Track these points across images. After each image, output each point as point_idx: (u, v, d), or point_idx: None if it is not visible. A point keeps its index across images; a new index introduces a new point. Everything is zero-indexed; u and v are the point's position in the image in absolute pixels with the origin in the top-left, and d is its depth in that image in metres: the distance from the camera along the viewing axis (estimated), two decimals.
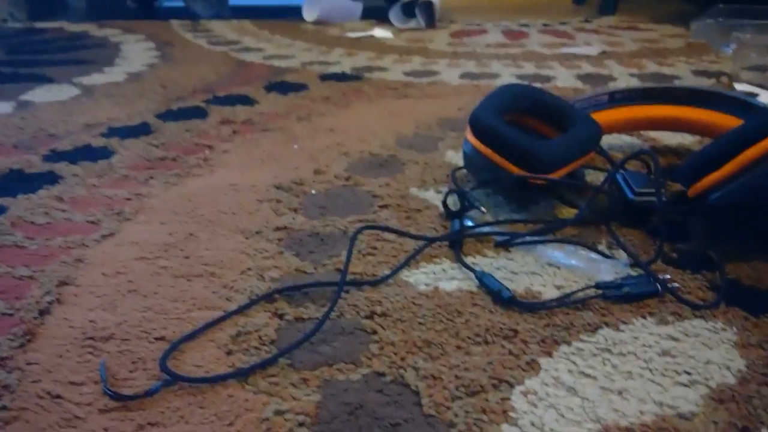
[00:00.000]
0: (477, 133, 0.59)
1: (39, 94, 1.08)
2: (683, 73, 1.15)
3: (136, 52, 1.49)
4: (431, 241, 0.54)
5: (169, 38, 1.69)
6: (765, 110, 0.62)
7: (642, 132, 0.81)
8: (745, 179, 0.49)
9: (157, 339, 0.43)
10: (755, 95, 0.95)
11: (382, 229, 0.56)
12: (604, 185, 0.57)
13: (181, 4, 2.09)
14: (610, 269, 0.49)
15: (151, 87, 1.13)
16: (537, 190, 0.59)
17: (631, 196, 0.55)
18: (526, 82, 1.11)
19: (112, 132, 0.87)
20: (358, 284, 0.49)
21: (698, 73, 1.16)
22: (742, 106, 0.65)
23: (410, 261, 0.52)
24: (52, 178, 0.71)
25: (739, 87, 1.01)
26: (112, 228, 0.59)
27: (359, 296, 0.48)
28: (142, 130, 0.88)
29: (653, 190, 0.54)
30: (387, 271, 0.50)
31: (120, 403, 0.38)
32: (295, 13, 2.00)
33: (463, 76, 1.19)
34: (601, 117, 0.70)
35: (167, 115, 0.95)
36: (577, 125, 0.61)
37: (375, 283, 0.49)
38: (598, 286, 0.47)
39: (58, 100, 1.04)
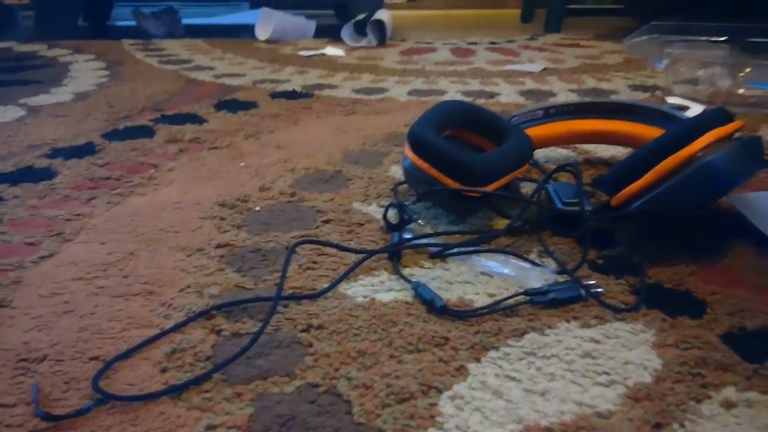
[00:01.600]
0: (414, 149, 0.61)
1: None
2: (620, 88, 1.20)
3: (85, 71, 1.48)
4: (370, 254, 0.55)
5: (119, 57, 1.67)
6: (684, 121, 0.65)
7: (577, 145, 0.84)
8: (663, 188, 0.52)
9: (91, 359, 0.43)
10: (686, 108, 1.00)
11: (319, 243, 0.58)
12: (534, 196, 0.59)
13: (133, 23, 2.08)
14: (539, 276, 0.51)
15: (98, 106, 1.12)
16: (473, 202, 0.61)
17: (559, 206, 0.58)
18: (470, 99, 1.15)
19: (56, 152, 0.86)
20: (296, 298, 0.50)
21: (635, 87, 1.21)
22: (667, 118, 0.68)
23: (349, 274, 0.53)
24: None
25: (671, 100, 1.06)
26: (52, 249, 0.59)
27: (298, 310, 0.48)
28: (86, 150, 0.87)
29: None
30: (326, 284, 0.51)
31: (51, 424, 0.38)
32: (248, 31, 2.01)
33: (411, 92, 1.22)
34: (537, 131, 0.73)
35: (113, 135, 0.94)
36: (511, 139, 0.63)
37: (313, 296, 0.50)
38: (526, 292, 0.49)
39: (2, 121, 1.03)
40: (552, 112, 0.74)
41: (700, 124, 0.53)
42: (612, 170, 0.55)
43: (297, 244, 0.54)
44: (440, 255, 0.55)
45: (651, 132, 0.69)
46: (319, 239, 0.59)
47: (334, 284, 0.51)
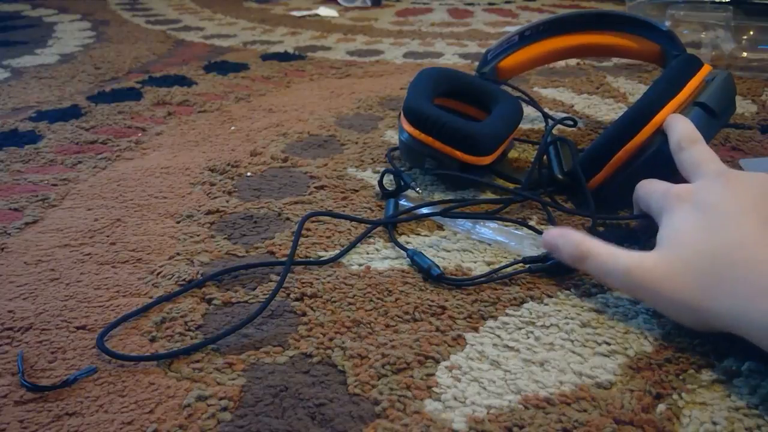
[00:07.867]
0: (414, 123, 0.58)
1: None
2: None
3: (70, 32, 1.43)
4: (376, 224, 0.53)
5: (105, 17, 1.63)
6: (665, 32, 0.63)
7: (575, 108, 0.82)
8: (626, 174, 0.52)
9: (78, 328, 0.42)
10: None
11: (330, 216, 0.55)
12: (536, 166, 0.58)
13: None
14: (538, 244, 0.50)
15: (84, 68, 1.09)
16: (478, 171, 0.59)
17: (559, 176, 0.57)
18: (468, 61, 1.12)
19: (41, 115, 0.83)
20: (303, 263, 0.48)
21: None
22: (644, 26, 0.66)
23: (357, 244, 0.51)
24: None
25: None
26: (36, 215, 0.57)
27: (291, 278, 0.47)
28: (72, 113, 0.84)
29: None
30: (320, 252, 0.50)
31: (37, 394, 0.37)
32: None
33: (407, 55, 1.19)
34: (516, 57, 0.72)
35: (99, 97, 0.91)
36: (500, 103, 0.63)
37: (322, 263, 0.49)
38: (524, 260, 0.47)
39: None
40: (527, 35, 0.72)
41: (650, 106, 0.51)
42: (584, 153, 0.55)
43: (308, 216, 0.53)
44: (446, 220, 0.54)
45: (631, 41, 0.67)
46: (329, 211, 0.57)
47: (343, 253, 0.50)
